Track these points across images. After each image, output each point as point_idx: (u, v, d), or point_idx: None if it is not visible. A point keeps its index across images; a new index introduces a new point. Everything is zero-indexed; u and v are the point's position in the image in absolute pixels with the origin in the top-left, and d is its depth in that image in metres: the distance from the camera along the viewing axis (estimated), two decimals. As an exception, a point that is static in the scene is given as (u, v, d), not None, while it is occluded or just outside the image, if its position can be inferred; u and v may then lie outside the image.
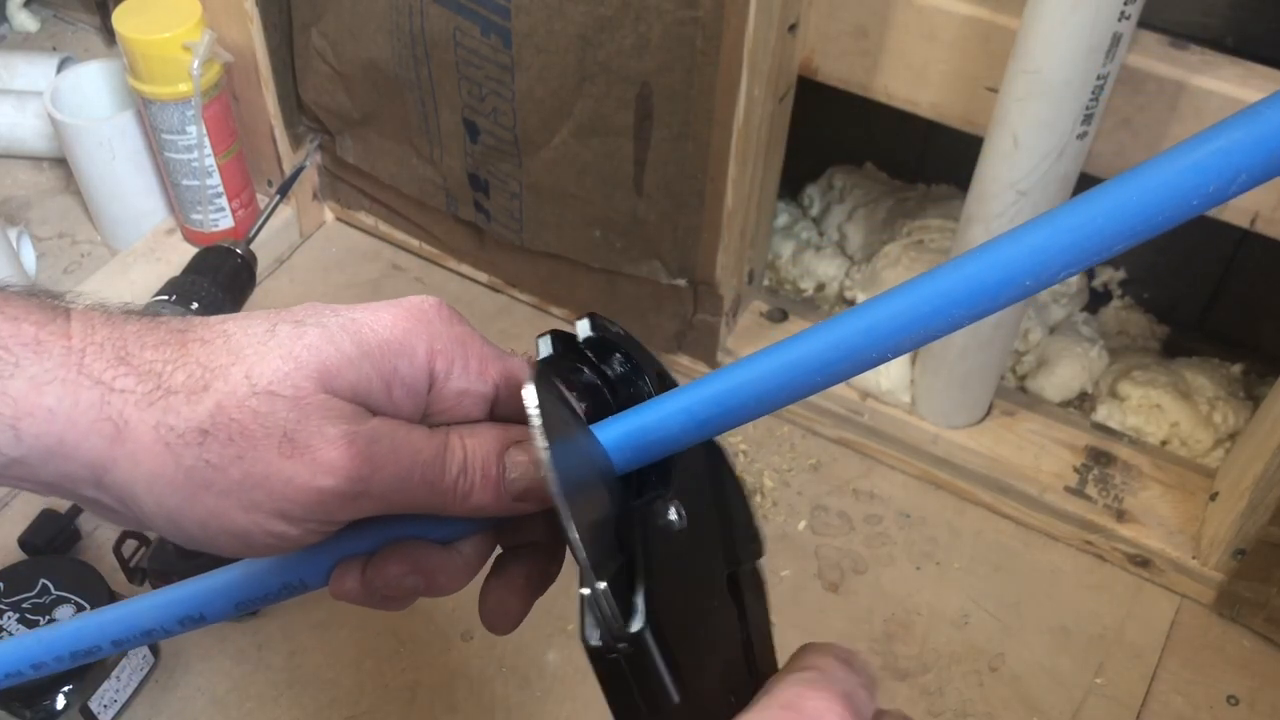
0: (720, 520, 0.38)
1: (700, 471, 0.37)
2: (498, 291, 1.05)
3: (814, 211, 1.11)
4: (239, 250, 0.93)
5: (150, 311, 0.36)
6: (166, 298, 0.85)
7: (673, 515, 0.33)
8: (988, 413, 0.90)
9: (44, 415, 0.32)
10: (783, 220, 1.09)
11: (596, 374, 0.36)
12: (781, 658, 0.40)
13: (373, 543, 0.37)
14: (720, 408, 0.32)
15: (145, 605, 0.41)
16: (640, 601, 0.29)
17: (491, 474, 0.35)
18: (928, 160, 1.09)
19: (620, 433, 0.34)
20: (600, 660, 0.29)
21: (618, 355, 0.36)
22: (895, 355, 0.29)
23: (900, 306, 0.28)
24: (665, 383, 0.37)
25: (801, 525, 0.89)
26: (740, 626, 0.36)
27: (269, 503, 0.32)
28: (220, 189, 0.99)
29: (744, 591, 0.37)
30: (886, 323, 0.29)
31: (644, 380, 0.36)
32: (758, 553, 0.39)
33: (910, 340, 0.28)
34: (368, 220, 1.09)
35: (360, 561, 0.36)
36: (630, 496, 0.34)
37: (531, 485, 0.36)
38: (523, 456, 0.36)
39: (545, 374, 0.33)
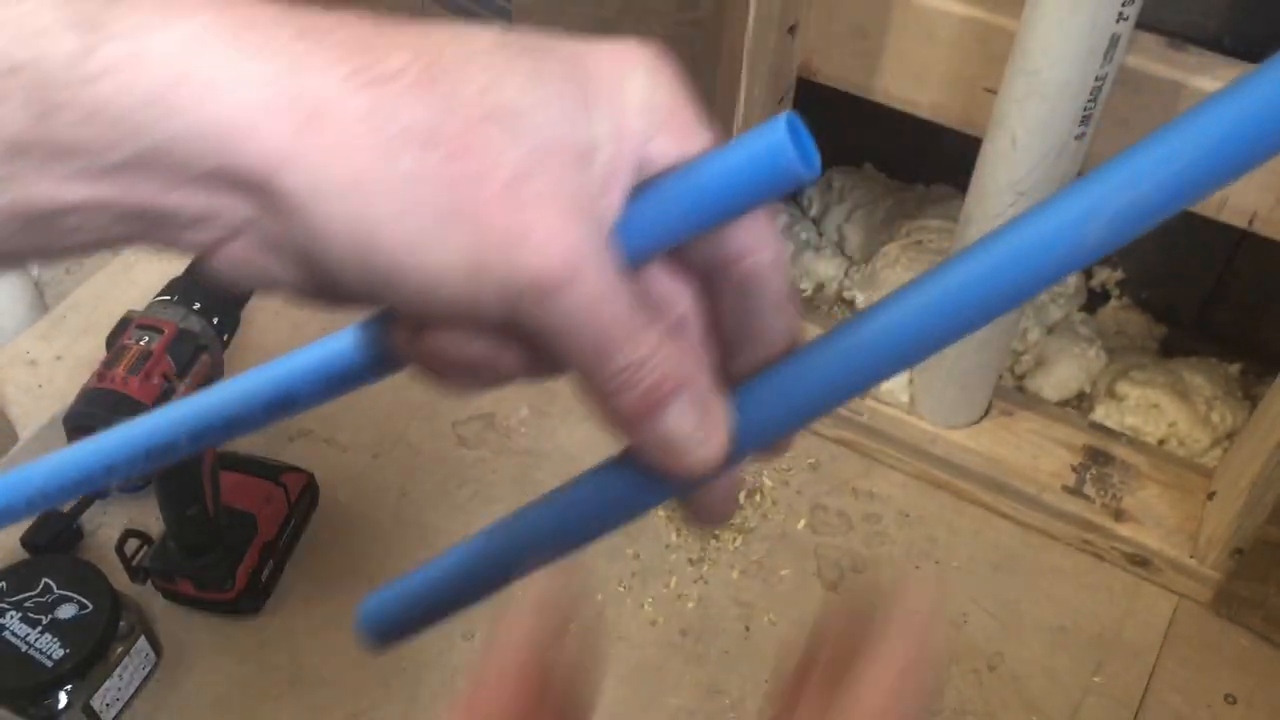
0: None
1: None
2: (498, 291, 1.05)
3: (813, 212, 1.12)
4: (240, 250, 0.93)
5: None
6: (168, 298, 0.85)
7: None
8: (986, 412, 0.90)
9: (203, 85, 0.24)
10: (782, 220, 1.10)
11: None
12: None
13: None
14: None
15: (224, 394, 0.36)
16: None
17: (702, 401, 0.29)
18: (927, 160, 1.09)
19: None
20: None
21: None
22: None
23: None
24: None
25: (801, 524, 0.89)
26: None
27: (470, 250, 0.25)
28: (221, 189, 0.98)
29: None
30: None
31: None
32: None
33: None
34: (368, 220, 1.08)
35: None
36: None
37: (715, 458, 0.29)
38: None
39: None
